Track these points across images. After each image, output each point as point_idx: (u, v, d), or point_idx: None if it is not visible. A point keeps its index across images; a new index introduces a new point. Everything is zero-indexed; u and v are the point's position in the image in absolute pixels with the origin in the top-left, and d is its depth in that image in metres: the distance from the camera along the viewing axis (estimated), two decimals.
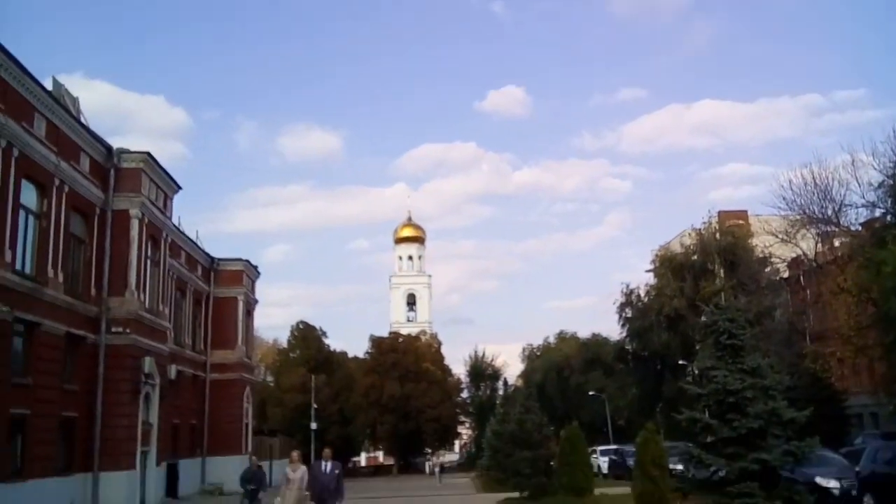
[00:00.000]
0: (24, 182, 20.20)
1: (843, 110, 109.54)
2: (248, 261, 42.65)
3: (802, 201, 37.54)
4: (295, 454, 15.16)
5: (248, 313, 43.66)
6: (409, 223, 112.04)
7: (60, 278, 22.02)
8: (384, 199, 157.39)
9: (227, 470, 33.92)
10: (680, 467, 23.37)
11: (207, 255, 40.39)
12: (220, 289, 40.98)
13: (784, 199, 38.45)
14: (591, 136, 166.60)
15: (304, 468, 14.24)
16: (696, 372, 45.04)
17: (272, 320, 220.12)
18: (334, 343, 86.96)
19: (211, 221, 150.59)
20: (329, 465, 13.77)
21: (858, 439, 34.33)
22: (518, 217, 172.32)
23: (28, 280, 20.20)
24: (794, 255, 49.83)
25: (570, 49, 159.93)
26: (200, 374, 38.69)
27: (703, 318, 14.02)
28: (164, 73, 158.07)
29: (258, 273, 45.14)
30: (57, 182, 22.08)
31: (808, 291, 51.59)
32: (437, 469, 39.41)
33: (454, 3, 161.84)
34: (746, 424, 11.94)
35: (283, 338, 76.10)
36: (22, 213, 20.32)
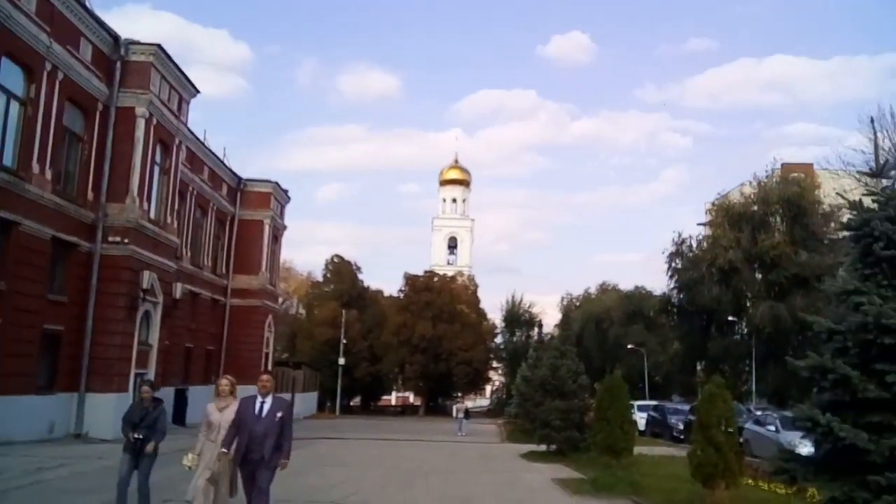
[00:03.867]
0: (4, 60, 17.75)
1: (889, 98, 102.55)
2: (277, 183, 40.25)
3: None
4: (225, 382, 9.00)
5: (276, 239, 41.47)
6: (455, 165, 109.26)
7: (48, 175, 19.73)
8: (439, 143, 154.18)
9: None
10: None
11: (234, 174, 38.08)
12: (246, 211, 38.74)
13: (874, 132, 34.39)
14: (654, 88, 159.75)
15: (237, 405, 8.45)
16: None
17: (320, 258, 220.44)
18: (374, 283, 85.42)
19: (268, 158, 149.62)
20: (268, 403, 8.09)
21: None
22: (573, 169, 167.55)
23: (6, 173, 17.90)
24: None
25: None
26: (220, 298, 36.75)
27: (847, 218, 9.83)
28: (229, 7, 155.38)
29: (288, 198, 42.79)
30: (48, 66, 19.62)
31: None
32: (460, 415, 36.35)
33: None
34: None
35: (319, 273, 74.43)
36: (1, 97, 17.93)
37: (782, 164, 54.37)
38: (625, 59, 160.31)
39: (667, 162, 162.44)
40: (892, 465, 7.74)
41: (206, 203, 34.47)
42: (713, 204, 53.91)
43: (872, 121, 10.55)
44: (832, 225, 46.97)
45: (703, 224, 56.33)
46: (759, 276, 48.53)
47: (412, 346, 62.02)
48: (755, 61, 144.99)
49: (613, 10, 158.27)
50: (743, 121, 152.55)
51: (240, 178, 38.44)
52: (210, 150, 34.67)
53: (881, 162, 10.85)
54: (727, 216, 49.28)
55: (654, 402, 39.41)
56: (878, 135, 35.05)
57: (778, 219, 48.40)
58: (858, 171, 35.40)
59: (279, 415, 8.05)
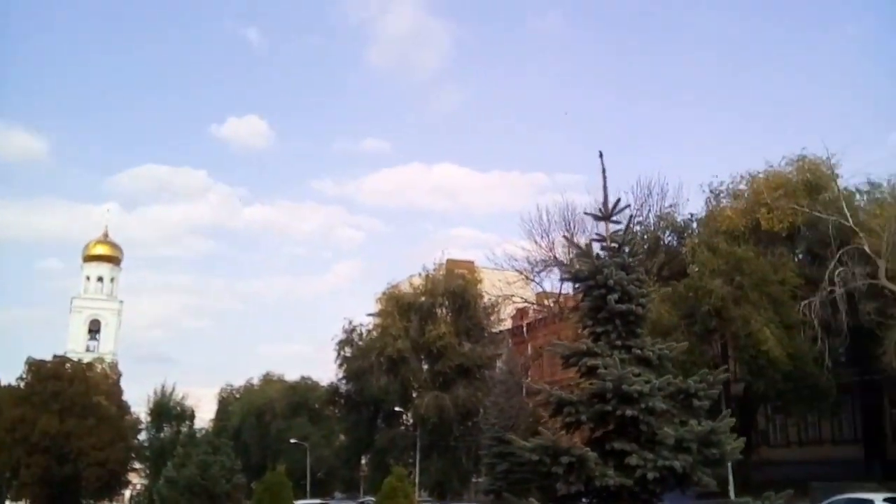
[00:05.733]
0: None
1: (563, 191, 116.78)
2: None
3: (549, 242, 35.84)
4: None
5: None
6: (104, 240, 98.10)
7: None
8: (91, 217, 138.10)
9: None
10: None
11: None
12: None
13: (532, 234, 36.40)
14: (331, 182, 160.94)
15: None
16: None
17: None
18: None
19: None
20: None
21: None
22: (243, 255, 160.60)
23: None
24: (521, 305, 48.86)
25: (322, 89, 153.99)
26: None
27: (576, 266, 7.83)
28: None
29: None
30: None
31: (530, 345, 50.70)
32: None
33: (205, 23, 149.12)
34: (658, 463, 6.36)
35: None
36: None
37: (448, 260, 56.30)
38: (303, 149, 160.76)
39: (340, 255, 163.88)
40: None
41: None
42: (384, 293, 53.60)
43: (601, 155, 9.44)
44: (492, 318, 49.33)
45: (373, 315, 55.78)
46: (425, 366, 48.67)
47: (31, 445, 51.49)
48: (425, 167, 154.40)
49: (293, 101, 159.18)
50: (414, 221, 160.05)
51: None
52: None
53: (609, 203, 9.48)
54: (397, 306, 49.11)
55: (317, 501, 36.31)
56: (537, 237, 37.45)
57: (444, 310, 49.31)
58: (565, 235, 36.88)
59: None
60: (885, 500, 19.45)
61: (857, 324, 25.14)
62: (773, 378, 24.18)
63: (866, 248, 24.60)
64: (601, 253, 8.55)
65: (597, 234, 9.37)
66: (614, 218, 8.94)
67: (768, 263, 26.57)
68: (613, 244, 8.53)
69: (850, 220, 25.14)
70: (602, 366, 6.90)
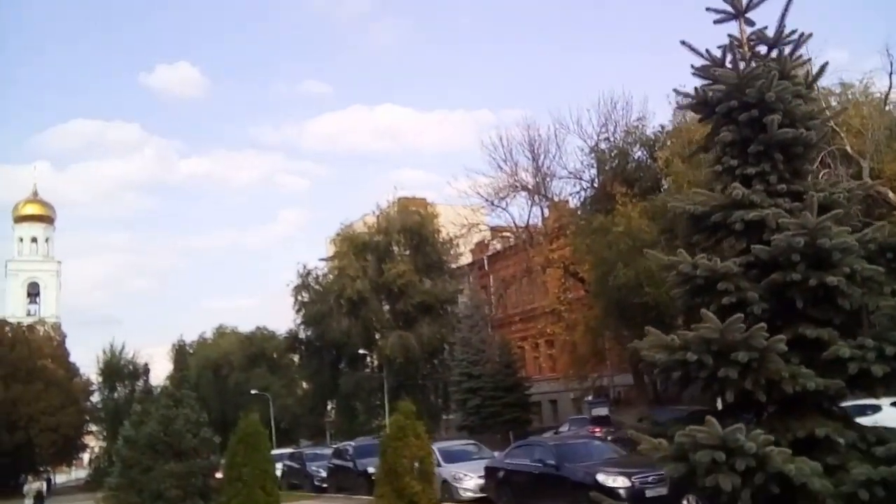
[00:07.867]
0: None
1: (509, 127, 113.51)
2: None
3: (512, 165, 34.35)
4: None
5: None
6: (35, 199, 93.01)
7: None
8: (19, 178, 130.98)
9: None
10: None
11: None
12: None
13: (494, 158, 34.80)
14: (270, 128, 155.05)
15: None
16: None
17: None
18: None
19: None
20: None
21: (564, 426, 31.87)
22: (183, 210, 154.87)
23: None
24: (482, 237, 47.52)
25: (254, 30, 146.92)
26: None
27: (700, 86, 5.35)
28: None
29: None
30: None
31: (492, 277, 49.64)
32: (28, 501, 27.01)
33: None
34: (886, 352, 4.42)
35: None
36: None
37: (400, 197, 54.39)
38: (239, 96, 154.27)
39: (286, 202, 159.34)
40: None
41: None
42: (337, 234, 51.71)
43: None
44: (451, 253, 47.96)
45: (326, 259, 54.01)
46: (386, 305, 47.28)
47: None
48: (367, 108, 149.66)
49: (226, 44, 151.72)
50: (357, 165, 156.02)
51: None
52: None
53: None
54: (352, 246, 47.47)
55: (290, 450, 34.84)
56: (500, 161, 35.67)
57: (401, 248, 47.85)
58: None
59: None
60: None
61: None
62: None
63: (848, 149, 23.61)
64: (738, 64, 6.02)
65: (730, 36, 6.64)
66: (749, 15, 6.29)
67: None
68: (761, 46, 6.00)
69: (830, 120, 24.06)
70: (772, 216, 4.76)
